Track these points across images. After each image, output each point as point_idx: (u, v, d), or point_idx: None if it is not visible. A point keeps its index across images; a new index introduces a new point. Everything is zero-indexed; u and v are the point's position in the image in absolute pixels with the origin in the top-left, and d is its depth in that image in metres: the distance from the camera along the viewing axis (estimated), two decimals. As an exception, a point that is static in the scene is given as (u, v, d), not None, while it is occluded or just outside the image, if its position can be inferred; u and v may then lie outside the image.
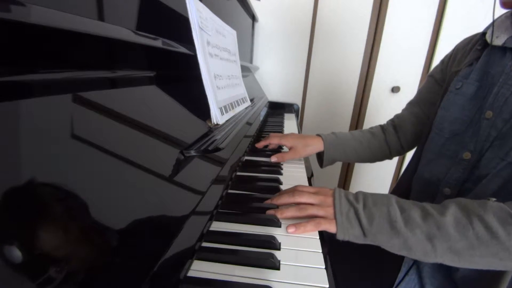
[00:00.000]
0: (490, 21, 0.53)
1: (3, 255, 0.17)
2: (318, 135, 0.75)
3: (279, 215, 0.46)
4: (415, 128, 0.72)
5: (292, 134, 0.75)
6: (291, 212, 0.46)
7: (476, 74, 0.54)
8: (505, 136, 0.47)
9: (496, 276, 0.45)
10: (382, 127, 0.78)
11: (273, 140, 0.74)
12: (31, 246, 0.19)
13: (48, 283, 0.19)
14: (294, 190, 0.49)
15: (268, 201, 0.50)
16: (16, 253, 0.17)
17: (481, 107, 0.52)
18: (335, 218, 0.44)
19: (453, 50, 0.65)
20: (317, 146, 0.73)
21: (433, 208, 0.42)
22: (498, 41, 0.51)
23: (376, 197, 0.45)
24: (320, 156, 0.76)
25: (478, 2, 1.34)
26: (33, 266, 0.18)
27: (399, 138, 0.75)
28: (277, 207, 0.48)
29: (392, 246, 0.41)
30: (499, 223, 0.37)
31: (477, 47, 0.56)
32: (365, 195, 0.46)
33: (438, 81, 0.67)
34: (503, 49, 0.51)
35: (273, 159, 0.71)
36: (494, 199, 0.42)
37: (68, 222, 0.22)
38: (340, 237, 0.43)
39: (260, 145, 0.76)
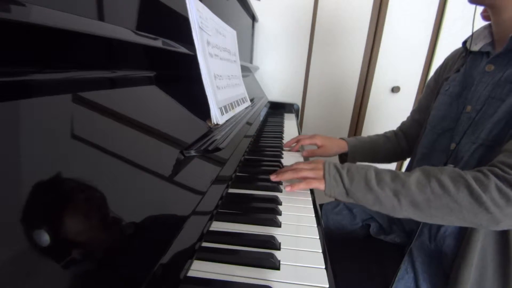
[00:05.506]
0: (471, 31, 0.64)
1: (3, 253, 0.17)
2: (341, 138, 0.85)
3: (279, 178, 0.58)
4: (419, 132, 0.79)
5: (319, 135, 0.85)
6: (288, 174, 0.57)
7: (460, 76, 0.63)
8: (477, 124, 0.55)
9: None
10: (394, 132, 0.88)
11: (304, 141, 0.84)
12: (28, 248, 0.19)
13: (48, 281, 0.19)
14: (292, 165, 0.60)
15: (273, 176, 0.59)
16: (14, 251, 0.17)
17: (463, 103, 0.60)
18: (324, 178, 0.53)
19: (444, 61, 0.75)
20: (342, 147, 0.84)
21: (402, 173, 0.51)
22: (476, 47, 0.61)
23: (360, 166, 0.54)
24: (342, 157, 0.87)
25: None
26: (29, 268, 0.18)
27: (408, 142, 0.84)
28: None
29: (367, 201, 0.50)
30: (451, 181, 0.45)
31: (462, 55, 0.66)
32: (350, 165, 0.55)
33: (433, 89, 0.75)
34: (481, 53, 0.60)
35: (304, 153, 0.81)
36: (452, 165, 0.50)
37: (67, 222, 0.22)
38: (327, 193, 0.53)
39: (289, 144, 0.86)
